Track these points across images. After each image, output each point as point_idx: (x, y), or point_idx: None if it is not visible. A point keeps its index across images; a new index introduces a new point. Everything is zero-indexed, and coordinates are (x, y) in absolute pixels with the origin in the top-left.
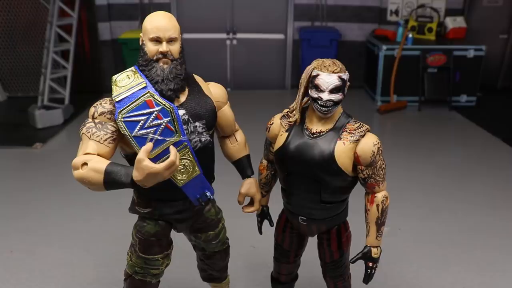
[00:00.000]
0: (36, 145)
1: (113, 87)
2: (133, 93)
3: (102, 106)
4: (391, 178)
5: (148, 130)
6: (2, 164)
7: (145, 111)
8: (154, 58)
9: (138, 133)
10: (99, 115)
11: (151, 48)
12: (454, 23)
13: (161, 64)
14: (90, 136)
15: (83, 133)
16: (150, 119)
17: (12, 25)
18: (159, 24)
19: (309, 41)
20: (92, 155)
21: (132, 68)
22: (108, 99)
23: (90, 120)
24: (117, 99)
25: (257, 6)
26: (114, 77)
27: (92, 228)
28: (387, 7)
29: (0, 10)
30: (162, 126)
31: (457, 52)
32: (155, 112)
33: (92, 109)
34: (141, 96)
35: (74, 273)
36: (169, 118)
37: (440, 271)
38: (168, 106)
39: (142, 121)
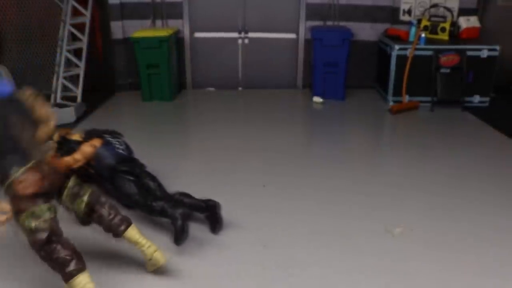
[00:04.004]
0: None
1: None
2: None
3: None
4: (404, 178)
5: None
6: None
7: None
8: None
9: None
10: None
11: None
12: (467, 22)
13: None
14: None
15: None
16: None
17: (26, 23)
18: None
19: (321, 41)
20: None
21: None
22: None
23: None
24: None
25: (269, 5)
26: None
27: None
28: (399, 7)
29: (14, 9)
30: None
31: (471, 52)
32: None
33: None
34: None
35: None
36: None
37: (453, 272)
38: None
39: None
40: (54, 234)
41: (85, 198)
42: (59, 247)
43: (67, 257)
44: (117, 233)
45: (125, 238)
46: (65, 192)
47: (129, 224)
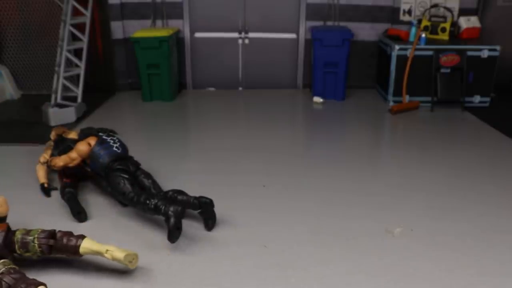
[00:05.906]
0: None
1: None
2: None
3: None
4: (404, 178)
5: None
6: (15, 161)
7: None
8: None
9: None
10: None
11: None
12: (468, 23)
13: None
14: None
15: None
16: None
17: (27, 23)
18: None
19: (321, 41)
20: None
21: None
22: None
23: None
24: None
25: (269, 5)
26: None
27: None
28: (400, 7)
29: (15, 9)
30: None
31: (471, 52)
32: None
33: None
34: None
35: None
36: None
37: (453, 272)
38: None
39: None
40: None
41: None
42: None
43: None
44: None
45: None
46: None
47: None
